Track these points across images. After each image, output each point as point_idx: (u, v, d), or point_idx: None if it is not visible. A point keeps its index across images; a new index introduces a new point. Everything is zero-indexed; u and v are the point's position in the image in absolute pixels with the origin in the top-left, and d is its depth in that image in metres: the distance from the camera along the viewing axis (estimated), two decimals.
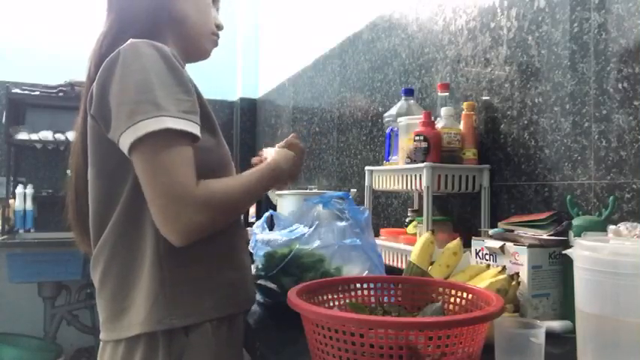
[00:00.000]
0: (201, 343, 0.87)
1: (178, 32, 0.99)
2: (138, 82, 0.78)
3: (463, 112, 1.32)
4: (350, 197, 1.15)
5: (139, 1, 0.93)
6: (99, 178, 0.88)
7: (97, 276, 0.88)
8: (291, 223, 1.16)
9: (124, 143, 0.78)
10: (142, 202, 0.81)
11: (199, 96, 0.89)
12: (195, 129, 0.80)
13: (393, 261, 1.38)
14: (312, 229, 1.08)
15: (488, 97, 1.35)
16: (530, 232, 0.99)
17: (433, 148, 1.25)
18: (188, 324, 0.85)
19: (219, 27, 1.06)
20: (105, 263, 0.87)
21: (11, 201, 3.24)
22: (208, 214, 0.79)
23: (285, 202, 1.62)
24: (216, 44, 1.07)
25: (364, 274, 1.01)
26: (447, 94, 1.37)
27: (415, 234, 1.34)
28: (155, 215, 0.78)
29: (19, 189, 3.22)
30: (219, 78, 3.49)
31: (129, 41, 0.82)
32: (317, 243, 1.06)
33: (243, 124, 3.74)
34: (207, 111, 0.91)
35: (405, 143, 1.34)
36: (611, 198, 0.92)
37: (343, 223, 1.08)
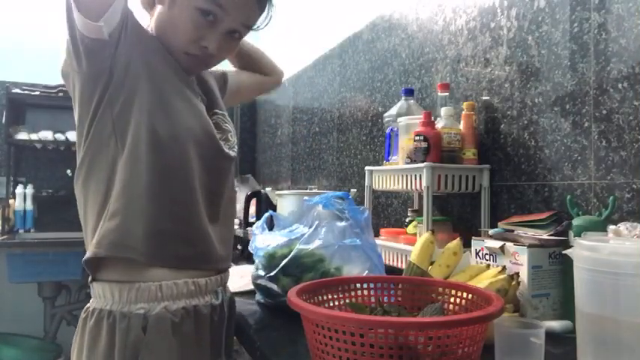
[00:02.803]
0: (157, 337, 0.86)
1: (155, 32, 0.97)
2: None
3: (463, 112, 1.32)
4: (350, 197, 1.15)
5: None
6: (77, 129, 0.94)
7: (84, 224, 0.95)
8: (291, 223, 1.17)
9: None
10: (100, 142, 0.88)
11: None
12: None
13: (393, 261, 1.38)
14: (312, 229, 1.09)
15: (488, 97, 1.35)
16: (530, 232, 0.99)
17: (433, 148, 1.25)
18: (111, 257, 0.87)
19: (206, 48, 0.92)
20: (84, 210, 0.93)
21: (11, 201, 3.24)
22: None
23: (285, 202, 1.62)
24: (197, 65, 0.98)
25: (364, 274, 1.01)
26: (447, 94, 1.37)
27: (415, 234, 1.34)
28: None
29: (19, 189, 3.22)
30: None
31: None
32: (317, 243, 1.06)
33: (243, 124, 3.75)
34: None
35: (405, 143, 1.34)
36: (611, 198, 0.92)
37: (343, 223, 1.08)
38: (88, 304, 0.91)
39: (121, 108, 0.88)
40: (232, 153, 1.02)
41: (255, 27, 0.98)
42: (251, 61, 1.30)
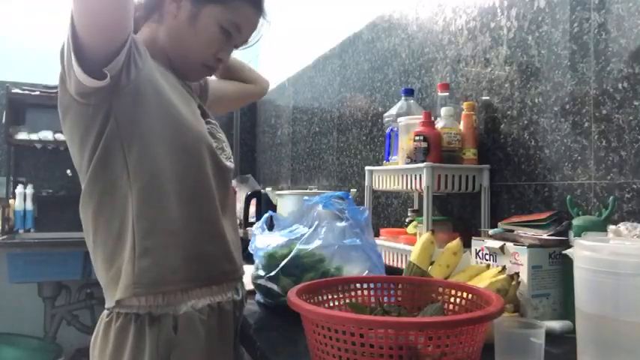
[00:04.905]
0: (188, 336, 0.87)
1: (165, 42, 0.98)
2: None
3: (463, 112, 1.32)
4: (350, 197, 1.15)
5: None
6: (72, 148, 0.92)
7: (93, 252, 0.92)
8: (290, 224, 1.17)
9: None
10: (110, 171, 0.86)
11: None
12: None
13: (393, 261, 1.38)
14: (312, 229, 1.08)
15: (488, 97, 1.35)
16: (530, 232, 0.99)
17: (433, 148, 1.25)
18: (155, 292, 0.86)
19: (220, 61, 1.01)
20: (93, 239, 0.90)
21: (11, 201, 3.24)
22: None
23: (285, 202, 1.62)
24: (206, 75, 1.04)
25: (364, 274, 1.01)
26: (447, 94, 1.37)
27: (415, 234, 1.34)
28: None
29: (19, 189, 3.21)
30: None
31: None
32: (317, 243, 1.06)
33: (243, 124, 3.74)
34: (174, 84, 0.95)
35: (405, 143, 1.34)
36: (611, 198, 0.92)
37: (343, 223, 1.08)
38: (109, 308, 0.89)
39: (131, 136, 0.86)
40: (229, 164, 1.02)
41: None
42: (232, 71, 1.30)
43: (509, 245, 0.97)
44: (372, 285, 0.81)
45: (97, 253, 0.90)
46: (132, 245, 0.85)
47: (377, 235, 1.50)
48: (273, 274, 1.06)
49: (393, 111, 1.49)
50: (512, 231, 1.03)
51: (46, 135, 3.30)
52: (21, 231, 3.20)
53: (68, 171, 3.39)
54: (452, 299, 0.75)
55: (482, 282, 0.90)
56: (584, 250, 0.65)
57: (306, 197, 1.20)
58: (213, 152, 0.97)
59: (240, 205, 2.13)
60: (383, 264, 1.10)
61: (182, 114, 0.91)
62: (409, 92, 1.51)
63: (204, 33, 0.95)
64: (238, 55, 1.17)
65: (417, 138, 1.27)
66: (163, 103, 0.89)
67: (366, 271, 1.03)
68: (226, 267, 0.97)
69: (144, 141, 0.87)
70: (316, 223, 1.09)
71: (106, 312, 0.90)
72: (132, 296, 0.85)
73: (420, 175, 1.25)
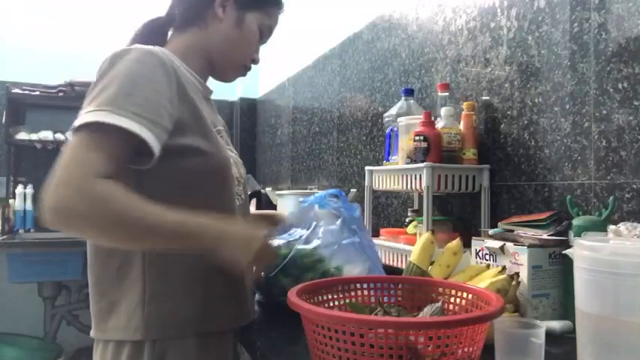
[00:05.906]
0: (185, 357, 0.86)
1: (210, 46, 0.99)
2: (113, 79, 0.79)
3: (463, 112, 1.32)
4: (343, 194, 1.15)
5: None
6: None
7: (88, 273, 0.90)
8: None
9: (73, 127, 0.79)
10: None
11: (191, 103, 0.87)
12: (135, 128, 0.76)
13: (393, 261, 1.38)
14: (311, 229, 1.08)
15: (488, 97, 1.35)
16: (530, 232, 0.99)
17: (433, 148, 1.25)
18: (164, 337, 0.83)
19: (254, 61, 1.05)
20: (90, 262, 0.88)
21: (11, 201, 3.23)
22: (87, 210, 0.74)
23: (285, 202, 1.62)
24: (241, 75, 1.07)
25: (365, 274, 1.01)
26: (447, 94, 1.37)
27: (415, 234, 1.34)
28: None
29: (19, 189, 3.21)
30: None
31: (133, 46, 0.84)
32: (316, 243, 1.06)
33: (243, 124, 3.74)
34: (200, 115, 0.89)
35: (405, 143, 1.34)
36: (611, 198, 0.92)
37: (340, 222, 1.08)
38: (98, 339, 0.87)
39: (149, 181, 0.83)
40: (237, 202, 0.98)
41: None
42: None
43: (509, 245, 0.97)
44: (372, 285, 0.81)
45: (91, 273, 0.88)
46: (142, 289, 0.83)
47: (377, 235, 1.50)
48: (272, 274, 1.06)
49: (393, 111, 1.49)
50: (512, 231, 1.03)
51: (46, 135, 3.29)
52: (21, 231, 3.20)
53: None
54: (452, 299, 0.75)
55: (482, 282, 0.90)
56: (584, 250, 0.65)
57: (301, 198, 1.20)
58: (234, 183, 0.95)
59: None
60: (380, 260, 1.10)
61: (203, 149, 0.87)
62: (409, 92, 1.51)
63: (249, 36, 1.01)
64: None
65: (417, 138, 1.27)
66: (186, 144, 0.86)
67: (366, 271, 1.03)
68: (240, 312, 0.95)
69: (159, 183, 0.84)
70: (315, 223, 1.09)
71: (99, 341, 0.87)
72: (142, 340, 0.83)
73: (420, 175, 1.25)
